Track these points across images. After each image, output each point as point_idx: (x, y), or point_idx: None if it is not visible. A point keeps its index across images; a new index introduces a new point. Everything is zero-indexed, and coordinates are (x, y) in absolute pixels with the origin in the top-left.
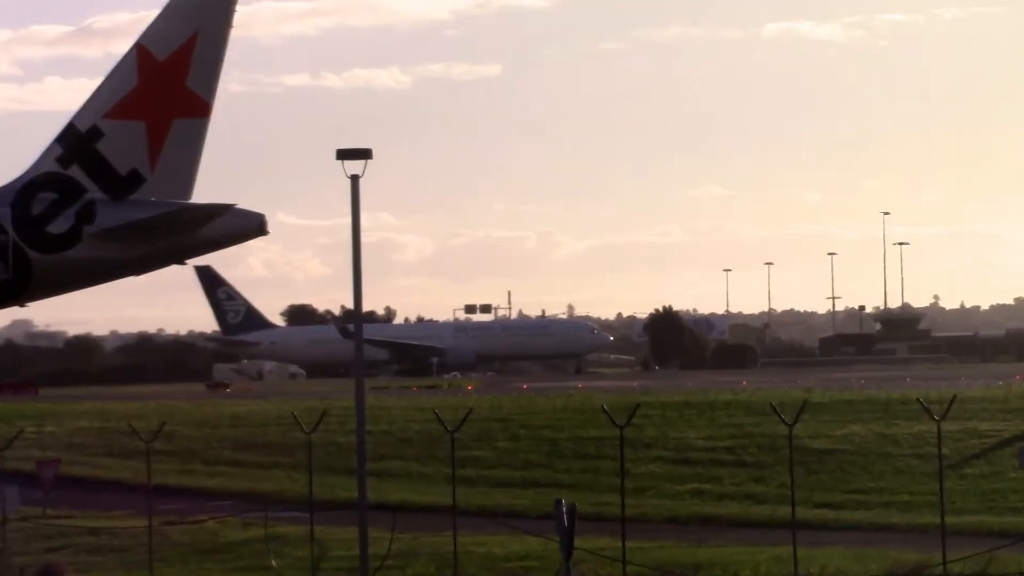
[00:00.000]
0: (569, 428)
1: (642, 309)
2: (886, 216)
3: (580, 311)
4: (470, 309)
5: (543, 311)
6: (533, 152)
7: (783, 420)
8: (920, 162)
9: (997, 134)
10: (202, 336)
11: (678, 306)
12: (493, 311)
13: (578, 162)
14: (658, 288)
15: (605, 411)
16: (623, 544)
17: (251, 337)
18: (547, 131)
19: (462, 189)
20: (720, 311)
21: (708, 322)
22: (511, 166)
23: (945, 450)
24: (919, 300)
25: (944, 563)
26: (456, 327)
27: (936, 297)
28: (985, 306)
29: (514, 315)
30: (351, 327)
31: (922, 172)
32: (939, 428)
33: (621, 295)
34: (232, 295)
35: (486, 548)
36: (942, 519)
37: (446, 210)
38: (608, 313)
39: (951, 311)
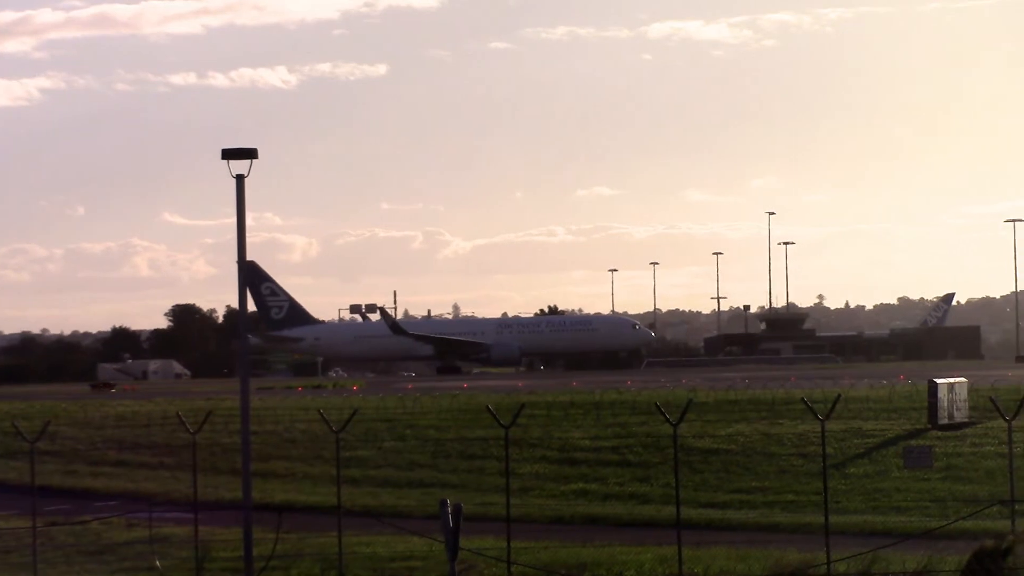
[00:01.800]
0: (455, 428)
1: (528, 309)
2: (771, 216)
3: (466, 311)
4: (355, 309)
5: (429, 311)
6: (420, 152)
7: (668, 420)
8: (806, 162)
9: (882, 134)
10: (88, 335)
11: (564, 306)
12: (379, 311)
13: (465, 162)
14: (544, 288)
15: (490, 411)
16: (508, 544)
17: (294, 333)
18: (434, 131)
19: (348, 189)
20: (606, 311)
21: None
22: (398, 166)
23: (829, 450)
24: (804, 300)
25: (828, 563)
26: (500, 323)
27: (821, 297)
28: (869, 306)
29: (399, 315)
30: (396, 320)
31: (808, 172)
32: (823, 428)
33: (507, 295)
34: (276, 291)
35: (371, 548)
36: (826, 518)
37: (332, 210)
38: (494, 313)
39: (836, 311)
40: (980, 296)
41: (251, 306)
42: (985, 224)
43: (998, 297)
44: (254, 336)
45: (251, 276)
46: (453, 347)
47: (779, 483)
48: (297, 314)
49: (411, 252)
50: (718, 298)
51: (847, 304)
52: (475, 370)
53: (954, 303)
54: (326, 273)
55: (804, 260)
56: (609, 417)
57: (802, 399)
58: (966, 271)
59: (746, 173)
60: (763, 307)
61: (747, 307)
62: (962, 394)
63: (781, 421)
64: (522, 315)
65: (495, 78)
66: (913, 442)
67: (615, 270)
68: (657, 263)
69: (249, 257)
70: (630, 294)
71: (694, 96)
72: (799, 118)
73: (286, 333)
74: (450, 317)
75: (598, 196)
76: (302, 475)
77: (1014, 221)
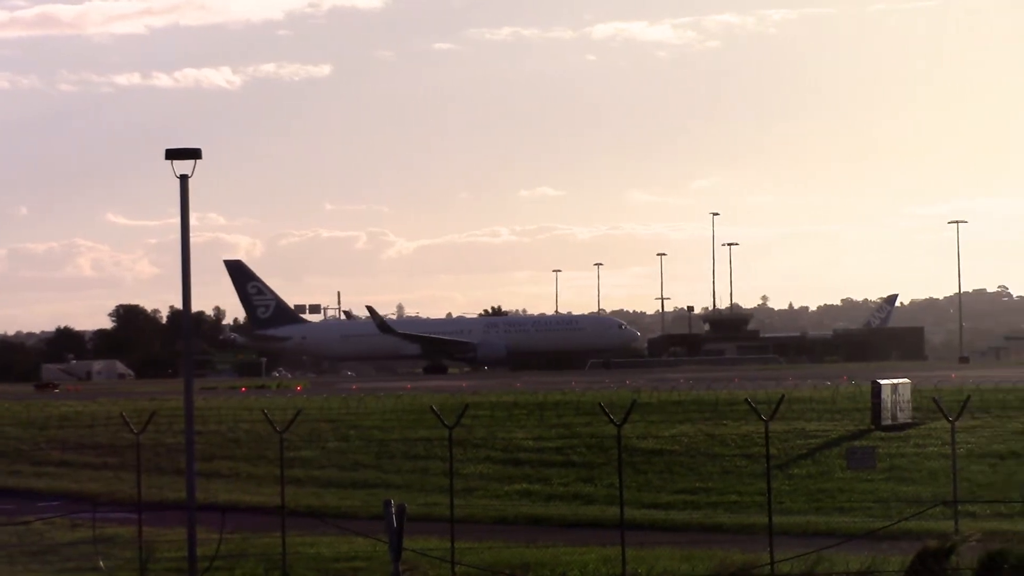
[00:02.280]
0: (399, 429)
1: (471, 310)
2: (715, 217)
3: (410, 311)
4: (299, 309)
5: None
6: (364, 152)
7: (612, 420)
8: (750, 163)
9: (826, 135)
10: (32, 336)
11: (508, 306)
12: (323, 311)
13: (409, 162)
14: (488, 288)
15: (434, 412)
16: (451, 545)
17: (281, 332)
18: (378, 131)
19: (292, 189)
20: (550, 312)
21: (239, 331)
22: (341, 166)
23: (773, 450)
24: (748, 301)
25: (772, 563)
26: (486, 322)
27: (765, 298)
28: (813, 307)
29: (341, 315)
30: (386, 320)
31: (752, 173)
32: (767, 428)
33: (451, 295)
34: (262, 289)
35: (315, 549)
36: (770, 519)
37: (276, 210)
38: (438, 313)
39: (780, 312)
40: (924, 297)
41: (238, 305)
42: (929, 225)
43: (941, 298)
44: (242, 335)
45: (237, 275)
46: (440, 346)
47: (723, 484)
48: (284, 313)
49: (355, 252)
50: (662, 299)
51: (791, 305)
52: (466, 369)
53: (898, 304)
54: (270, 273)
55: (748, 261)
56: (553, 418)
57: (746, 400)
58: (910, 272)
59: (690, 174)
60: (707, 308)
61: (691, 308)
62: (905, 395)
63: (725, 422)
64: (467, 316)
65: (439, 79)
66: (856, 443)
67: (559, 271)
68: (601, 264)
69: (193, 257)
70: (574, 295)
71: (638, 97)
72: (743, 119)
73: (273, 332)
74: (394, 317)
75: (542, 197)
76: (246, 475)
77: (958, 223)
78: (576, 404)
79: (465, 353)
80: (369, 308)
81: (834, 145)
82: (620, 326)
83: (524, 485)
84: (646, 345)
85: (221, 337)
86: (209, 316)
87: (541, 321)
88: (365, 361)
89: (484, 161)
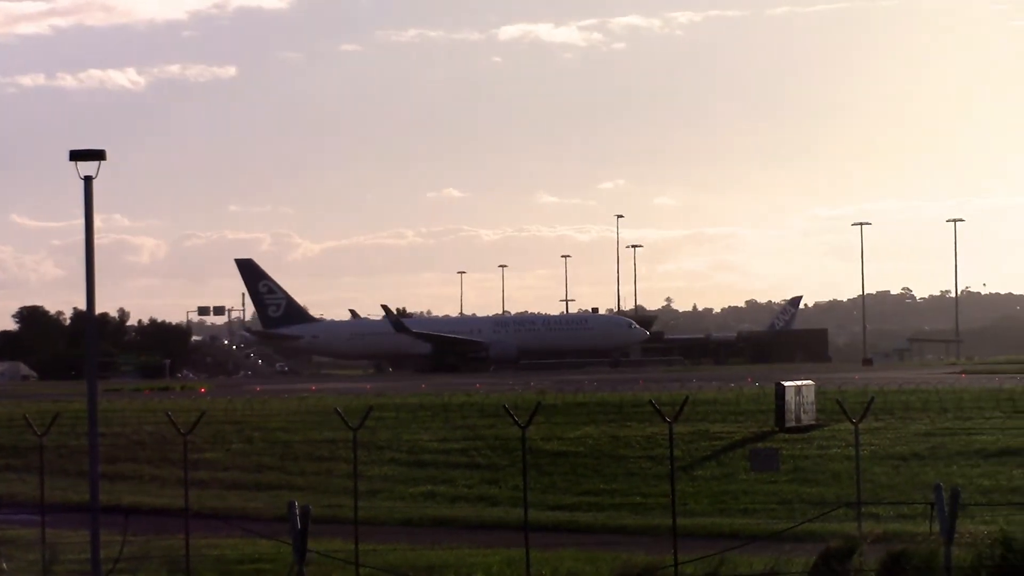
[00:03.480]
0: (303, 430)
1: (377, 311)
2: (620, 219)
3: (315, 313)
4: (203, 311)
5: (352, 311)
6: (269, 153)
7: (516, 422)
8: (655, 165)
9: (731, 137)
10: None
11: (413, 308)
12: (227, 313)
13: (315, 164)
14: (394, 290)
15: (339, 413)
16: (356, 546)
17: (292, 331)
18: (284, 132)
19: (198, 190)
20: (455, 314)
21: (250, 330)
22: (247, 167)
23: (677, 452)
24: (652, 303)
25: (675, 564)
26: (496, 321)
27: (669, 300)
28: (717, 309)
29: (247, 317)
30: (400, 319)
31: (657, 175)
32: (671, 430)
33: (356, 296)
34: (273, 288)
35: (219, 551)
36: (673, 520)
37: (181, 211)
38: (343, 315)
39: (684, 313)
40: (828, 299)
41: (249, 304)
42: (833, 227)
43: (845, 300)
44: (253, 333)
45: (248, 274)
46: (452, 345)
47: (627, 485)
48: (295, 312)
49: (260, 254)
50: (566, 300)
51: (695, 307)
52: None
53: (802, 306)
54: (175, 275)
55: (653, 263)
56: (458, 419)
57: (650, 402)
58: (814, 274)
59: (595, 176)
60: (611, 309)
61: (595, 309)
62: (809, 397)
63: (629, 423)
64: (372, 318)
65: (345, 80)
66: (760, 445)
67: (464, 272)
68: (506, 265)
69: (97, 258)
70: (479, 296)
71: (544, 98)
72: (649, 121)
73: (284, 331)
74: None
75: (448, 198)
76: (150, 477)
77: (861, 224)
78: (481, 406)
79: (477, 352)
80: (384, 307)
81: (739, 147)
82: (629, 325)
83: (429, 487)
84: None
85: (126, 338)
86: (113, 318)
87: (551, 320)
88: (375, 360)
89: (390, 162)
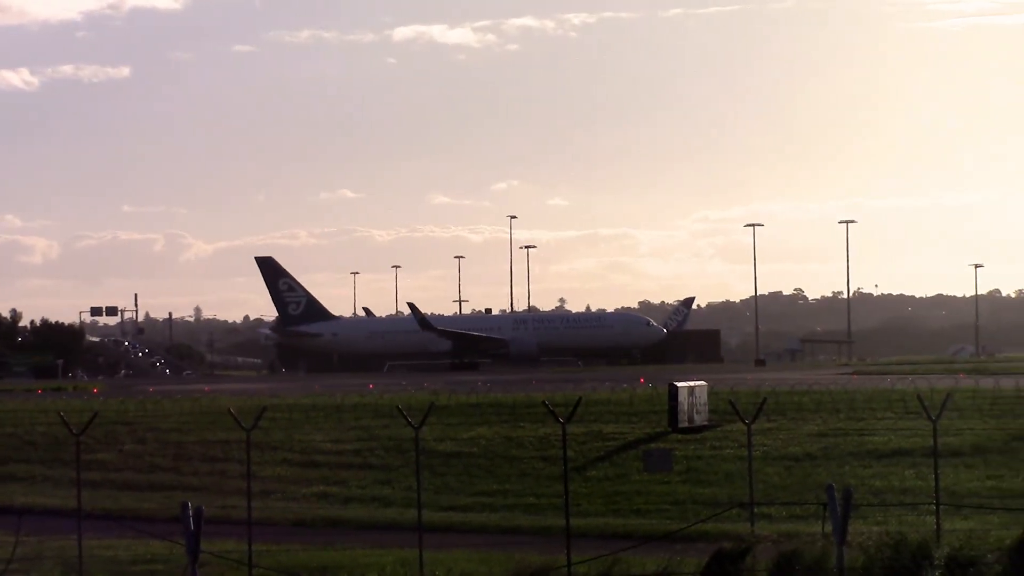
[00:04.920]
0: (196, 431)
1: (269, 312)
2: (513, 220)
3: (207, 313)
4: (96, 311)
5: (170, 313)
6: (162, 154)
7: (409, 423)
8: (548, 166)
9: (623, 138)
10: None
11: None
12: (120, 313)
13: (208, 164)
14: None
15: (232, 414)
16: (249, 547)
17: (312, 328)
18: (176, 133)
19: (90, 191)
20: (348, 314)
21: (271, 327)
22: (139, 168)
23: (570, 453)
24: (546, 303)
25: (568, 565)
26: (515, 319)
27: (562, 300)
28: (610, 309)
29: (140, 317)
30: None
31: (550, 176)
32: (564, 431)
33: (249, 298)
34: (293, 286)
35: (112, 552)
36: (567, 521)
37: (73, 212)
38: (236, 316)
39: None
40: (720, 300)
41: (142, 305)
42: (725, 229)
43: (738, 301)
44: (274, 331)
45: (269, 272)
46: (474, 343)
47: (520, 486)
48: (315, 309)
49: (153, 255)
50: (460, 301)
51: (588, 308)
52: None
53: (694, 307)
54: (67, 275)
55: (546, 264)
56: (351, 420)
57: (543, 402)
58: (706, 275)
59: (489, 177)
60: (504, 310)
61: (488, 310)
62: (702, 397)
63: (523, 424)
64: (265, 318)
65: (239, 81)
66: (653, 445)
67: (357, 273)
68: (399, 266)
69: None
70: (372, 296)
71: (438, 99)
72: (542, 122)
73: (304, 329)
74: (191, 320)
75: (341, 199)
76: (42, 478)
77: (754, 226)
78: (374, 407)
79: (498, 350)
80: (411, 305)
81: (631, 148)
82: (647, 323)
83: (322, 487)
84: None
85: (19, 339)
86: (5, 318)
87: (570, 318)
88: (395, 358)
89: (283, 163)
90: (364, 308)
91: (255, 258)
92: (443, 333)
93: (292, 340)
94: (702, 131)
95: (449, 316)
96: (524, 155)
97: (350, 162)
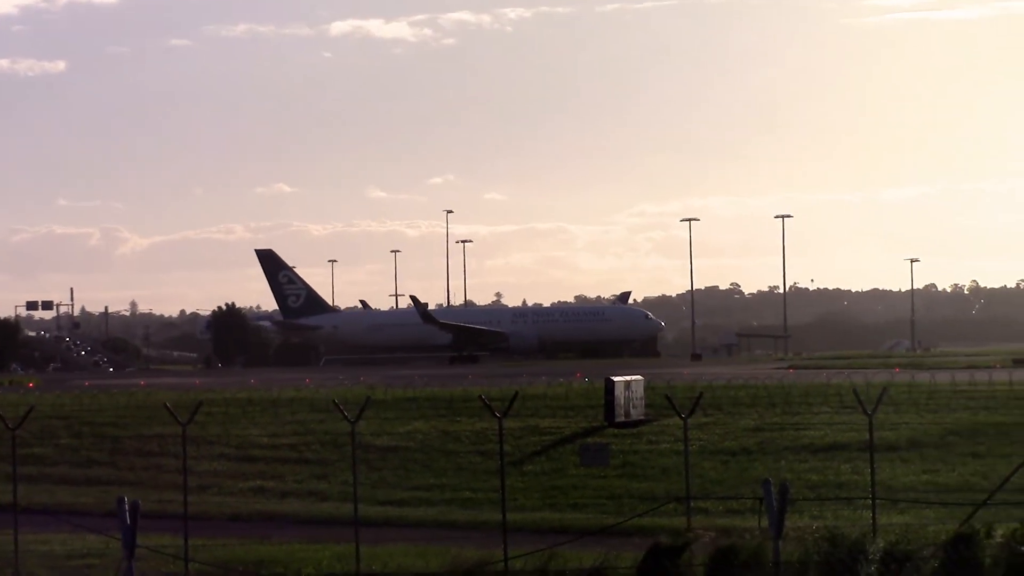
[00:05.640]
0: (132, 426)
1: (206, 306)
2: (449, 214)
3: (143, 308)
4: (32, 306)
5: (106, 307)
6: (98, 148)
7: (346, 417)
8: (484, 161)
9: (559, 133)
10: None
11: (242, 303)
12: (55, 308)
13: (144, 158)
14: (222, 285)
15: (168, 408)
16: (185, 541)
17: (312, 321)
18: (113, 127)
19: (25, 185)
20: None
21: (272, 319)
22: (75, 162)
23: (507, 447)
24: (482, 298)
25: (505, 559)
26: (515, 312)
27: (499, 295)
28: (547, 304)
29: (76, 312)
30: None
31: (486, 171)
32: (500, 425)
33: (185, 292)
34: (293, 279)
35: (48, 546)
36: (503, 515)
37: (8, 206)
38: (172, 310)
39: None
40: (657, 295)
41: (79, 299)
42: (660, 223)
43: (674, 296)
44: (275, 324)
45: (268, 264)
46: (474, 336)
47: (457, 480)
48: (315, 302)
49: (88, 249)
50: (396, 295)
51: (524, 302)
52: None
53: (631, 301)
54: (2, 270)
55: (482, 258)
56: (287, 415)
57: (479, 396)
58: (642, 270)
59: (425, 171)
60: (441, 304)
61: (425, 304)
62: (639, 392)
63: (459, 419)
64: (201, 313)
65: (175, 75)
66: (590, 440)
67: (294, 267)
68: (335, 260)
69: None
70: None
71: (374, 94)
72: (478, 116)
73: (304, 321)
74: (127, 314)
75: (278, 193)
76: None
77: (690, 220)
78: (311, 401)
79: (499, 343)
80: (412, 298)
81: (567, 143)
82: (646, 316)
83: (258, 482)
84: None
85: None
86: None
87: (569, 311)
88: (396, 351)
89: (220, 158)
90: (361, 300)
91: (255, 251)
92: (444, 326)
93: (292, 332)
94: (639, 126)
95: (449, 308)
96: (460, 150)
97: (286, 156)
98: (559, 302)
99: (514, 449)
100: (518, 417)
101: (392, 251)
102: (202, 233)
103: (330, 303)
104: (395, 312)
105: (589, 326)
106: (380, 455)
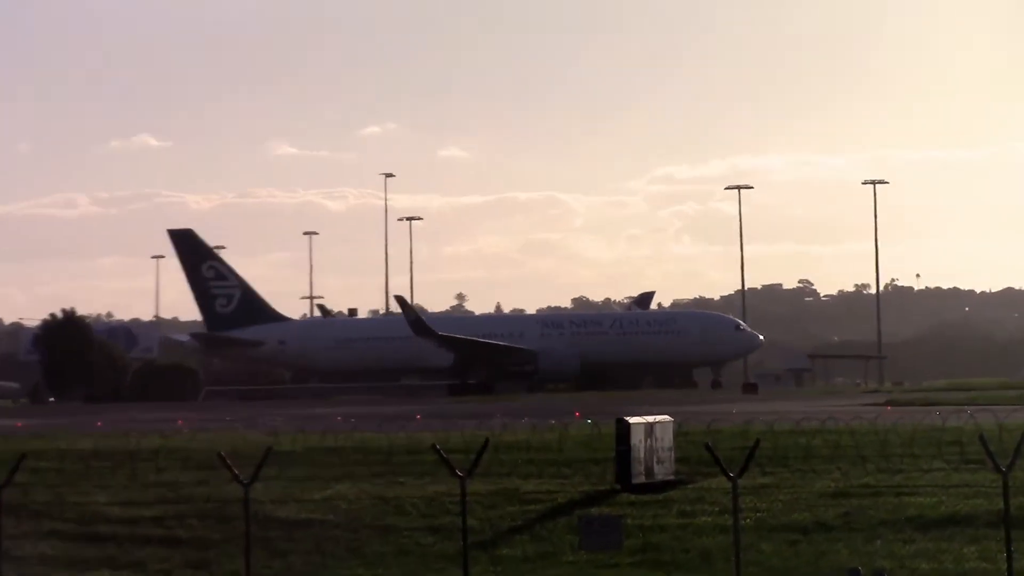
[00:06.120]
0: None
1: (31, 314)
2: (389, 179)
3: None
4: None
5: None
6: None
7: (236, 477)
8: (441, 103)
9: (551, 60)
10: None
11: (86, 309)
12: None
13: None
14: (60, 282)
15: None
16: None
17: (250, 334)
18: None
19: None
20: (147, 317)
21: (130, 332)
22: None
23: (473, 521)
24: (437, 302)
25: None
26: (544, 321)
27: (461, 297)
28: (532, 310)
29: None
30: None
31: (444, 117)
32: (463, 488)
33: (7, 292)
34: (222, 273)
35: None
36: None
37: None
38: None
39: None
40: (690, 296)
41: (32, 299)
42: (696, 192)
43: (716, 299)
44: (195, 337)
45: (187, 251)
46: (488, 354)
47: (399, 570)
48: (253, 307)
49: None
50: (311, 298)
51: (498, 307)
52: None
53: (654, 305)
54: None
55: (437, 243)
56: (151, 473)
57: (433, 446)
58: (669, 260)
59: (356, 118)
60: (376, 311)
61: (353, 311)
62: (666, 439)
63: (403, 479)
64: (26, 323)
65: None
66: (594, 510)
67: (161, 256)
68: (223, 247)
69: None
70: (184, 292)
71: (280, 9)
72: (430, 38)
73: (238, 334)
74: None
75: (140, 149)
76: None
77: (739, 188)
78: (186, 452)
79: (522, 365)
80: (399, 299)
81: (559, 76)
82: (736, 327)
83: (107, 572)
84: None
85: None
86: None
87: (625, 320)
88: (373, 376)
89: (57, 101)
90: (320, 306)
91: (168, 231)
92: (446, 340)
93: (221, 350)
94: (663, 53)
95: (453, 317)
96: (406, 87)
97: (152, 96)
98: (550, 308)
99: (483, 524)
100: (489, 476)
101: (306, 232)
102: (31, 207)
103: (274, 308)
104: (373, 321)
105: (651, 340)
106: (286, 532)
